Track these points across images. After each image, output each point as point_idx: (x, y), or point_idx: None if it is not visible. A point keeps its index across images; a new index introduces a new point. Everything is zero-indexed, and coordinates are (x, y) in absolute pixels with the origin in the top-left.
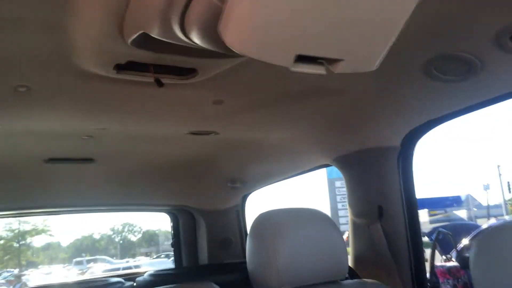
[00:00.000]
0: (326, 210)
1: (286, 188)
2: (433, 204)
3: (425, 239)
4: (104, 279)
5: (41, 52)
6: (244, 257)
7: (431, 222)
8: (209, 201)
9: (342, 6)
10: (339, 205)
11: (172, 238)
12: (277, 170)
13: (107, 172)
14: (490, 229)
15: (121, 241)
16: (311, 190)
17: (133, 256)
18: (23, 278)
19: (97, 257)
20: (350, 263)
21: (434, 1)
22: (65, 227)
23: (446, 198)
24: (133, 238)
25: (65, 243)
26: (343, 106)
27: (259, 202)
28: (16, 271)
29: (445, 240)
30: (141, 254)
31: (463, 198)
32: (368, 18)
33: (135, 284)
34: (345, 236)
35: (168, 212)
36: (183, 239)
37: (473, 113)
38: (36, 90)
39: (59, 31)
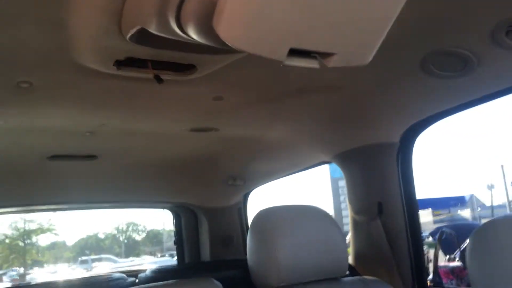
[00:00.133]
0: (329, 210)
1: (288, 189)
2: (437, 204)
3: (430, 239)
4: (107, 274)
5: (42, 48)
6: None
7: (435, 222)
8: (211, 199)
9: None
10: (343, 205)
11: (175, 236)
12: (277, 167)
13: (109, 169)
14: (485, 224)
15: (125, 240)
16: (314, 190)
17: (138, 255)
18: (28, 278)
19: (102, 256)
20: (350, 260)
21: None
22: (70, 226)
23: (450, 198)
24: (138, 237)
25: (70, 242)
26: (342, 102)
27: (261, 203)
28: (21, 270)
29: (449, 240)
30: (146, 253)
31: (467, 198)
32: (361, 12)
33: (137, 280)
34: (348, 237)
35: (171, 210)
36: (185, 237)
37: (475, 111)
38: (38, 86)
39: (59, 27)
